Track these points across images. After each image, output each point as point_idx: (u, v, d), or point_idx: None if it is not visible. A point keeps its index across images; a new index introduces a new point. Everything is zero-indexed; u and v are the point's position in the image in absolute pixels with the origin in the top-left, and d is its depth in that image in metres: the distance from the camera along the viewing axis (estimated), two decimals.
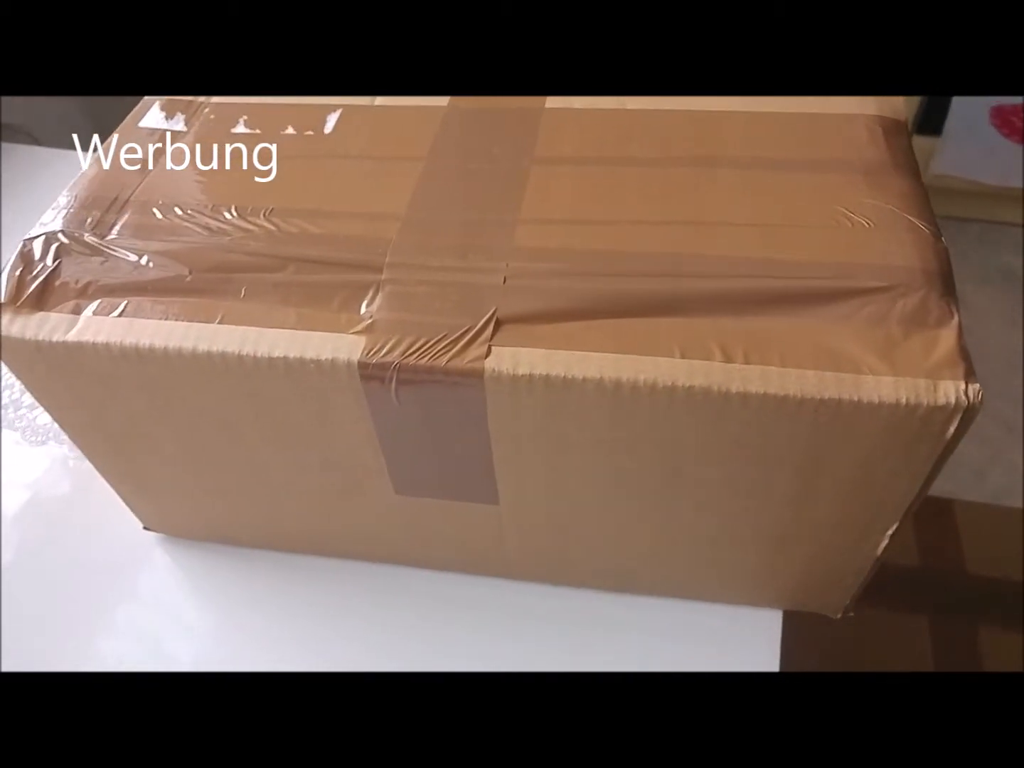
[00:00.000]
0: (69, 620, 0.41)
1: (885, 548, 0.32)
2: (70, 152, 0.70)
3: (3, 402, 0.50)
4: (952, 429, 0.26)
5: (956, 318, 0.27)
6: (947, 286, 0.28)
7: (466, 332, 0.28)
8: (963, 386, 0.26)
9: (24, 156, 0.70)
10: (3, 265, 0.33)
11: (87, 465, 0.45)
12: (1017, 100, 1.14)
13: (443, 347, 0.28)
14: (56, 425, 0.48)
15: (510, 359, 0.28)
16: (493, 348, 0.28)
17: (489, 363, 0.28)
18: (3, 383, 0.51)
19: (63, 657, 0.39)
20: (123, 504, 0.42)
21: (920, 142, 1.24)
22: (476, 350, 0.28)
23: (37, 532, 0.44)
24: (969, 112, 1.18)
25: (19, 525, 0.44)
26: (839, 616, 0.38)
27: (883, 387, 0.26)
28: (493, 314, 0.29)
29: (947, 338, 0.27)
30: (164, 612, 0.41)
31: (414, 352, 0.28)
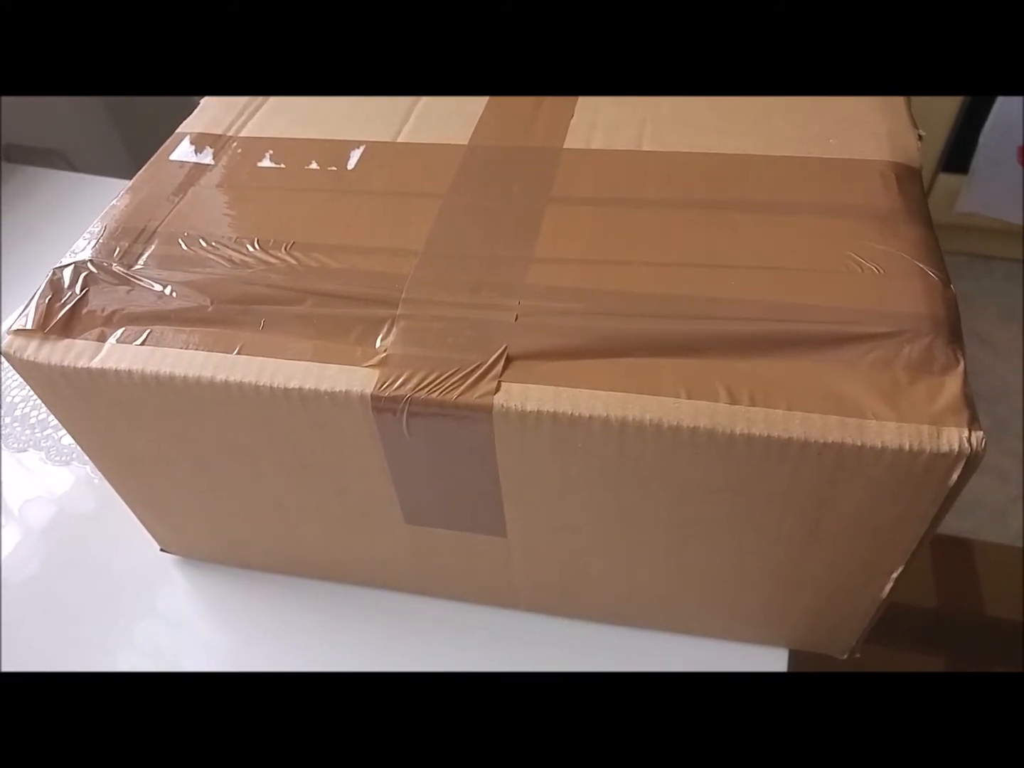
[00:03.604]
0: (88, 635, 0.41)
1: (891, 590, 0.32)
2: (105, 179, 0.72)
3: (31, 423, 0.51)
4: (955, 476, 0.26)
5: (961, 365, 0.27)
6: (954, 333, 0.28)
7: (477, 368, 0.29)
8: (967, 433, 0.26)
9: (61, 182, 0.72)
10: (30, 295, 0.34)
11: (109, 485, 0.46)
12: None
13: (454, 382, 0.29)
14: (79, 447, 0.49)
15: (519, 395, 0.28)
16: (503, 384, 0.29)
17: (498, 399, 0.28)
18: (31, 404, 0.52)
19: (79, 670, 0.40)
20: (133, 528, 0.42)
21: (946, 180, 1.24)
22: (486, 386, 0.29)
23: (61, 547, 0.45)
24: (995, 151, 1.17)
25: (45, 539, 0.45)
26: (845, 657, 0.38)
27: (887, 432, 0.26)
28: (504, 351, 0.29)
29: (952, 385, 0.27)
30: (178, 632, 0.41)
31: (426, 386, 0.29)
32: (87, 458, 0.48)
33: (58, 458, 0.49)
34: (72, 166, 0.81)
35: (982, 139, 1.17)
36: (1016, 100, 1.11)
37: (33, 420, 0.51)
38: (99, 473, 0.47)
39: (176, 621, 0.42)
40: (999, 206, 1.23)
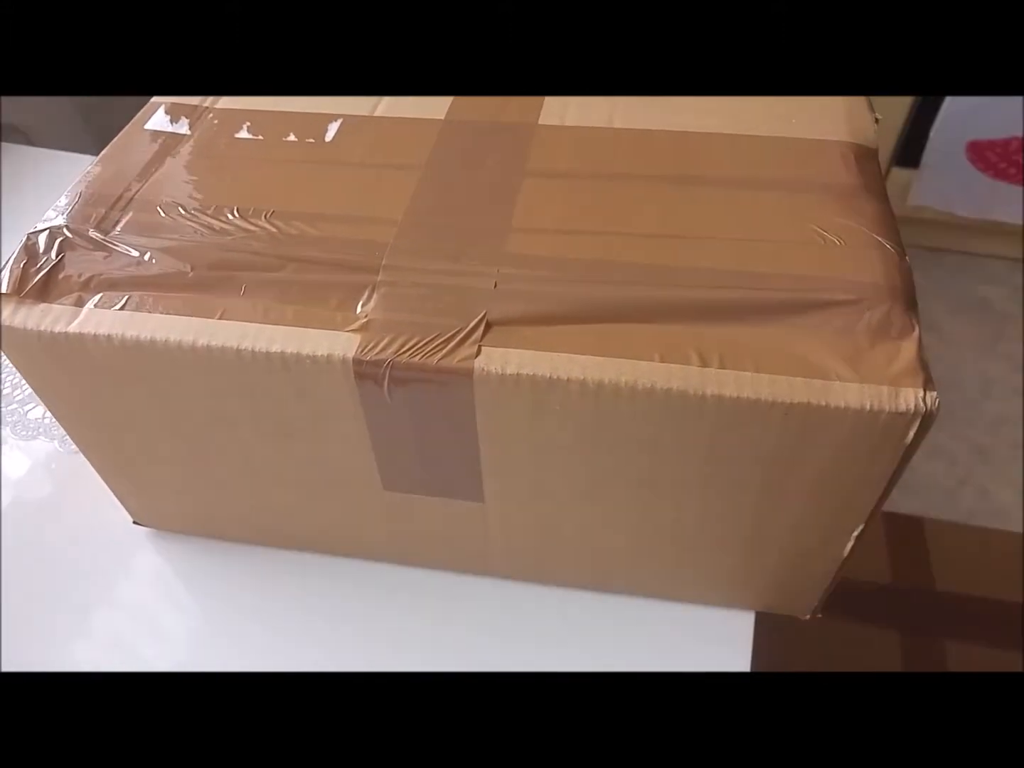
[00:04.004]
0: (56, 615, 0.41)
1: (852, 550, 0.34)
2: (64, 153, 0.71)
3: None
4: (912, 434, 0.28)
5: (917, 331, 0.29)
6: (909, 301, 0.30)
7: (457, 333, 0.30)
8: (922, 394, 0.27)
9: (19, 156, 0.71)
10: (5, 258, 0.34)
11: (70, 465, 0.46)
12: (993, 135, 1.18)
13: (435, 346, 0.30)
14: (46, 421, 0.49)
15: (499, 359, 0.29)
16: (483, 348, 0.29)
17: (479, 363, 0.29)
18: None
19: (46, 654, 0.40)
20: (106, 502, 0.42)
21: (898, 174, 1.28)
22: (466, 350, 0.29)
23: (23, 529, 0.44)
24: (945, 146, 1.21)
25: (10, 516, 0.45)
26: (808, 617, 0.40)
27: (849, 393, 0.28)
28: (483, 316, 0.30)
29: (908, 349, 0.28)
30: (146, 611, 0.41)
31: (407, 351, 0.30)
32: (54, 432, 0.48)
33: (24, 433, 0.48)
34: (30, 141, 0.79)
35: (932, 135, 1.20)
36: (965, 97, 1.15)
37: None
38: (66, 447, 0.47)
39: (138, 604, 0.42)
40: (949, 199, 1.27)
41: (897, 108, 1.21)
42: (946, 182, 1.25)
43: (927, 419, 0.27)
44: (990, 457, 1.12)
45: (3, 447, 0.48)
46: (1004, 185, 1.23)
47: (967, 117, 1.17)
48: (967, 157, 1.22)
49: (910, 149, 1.25)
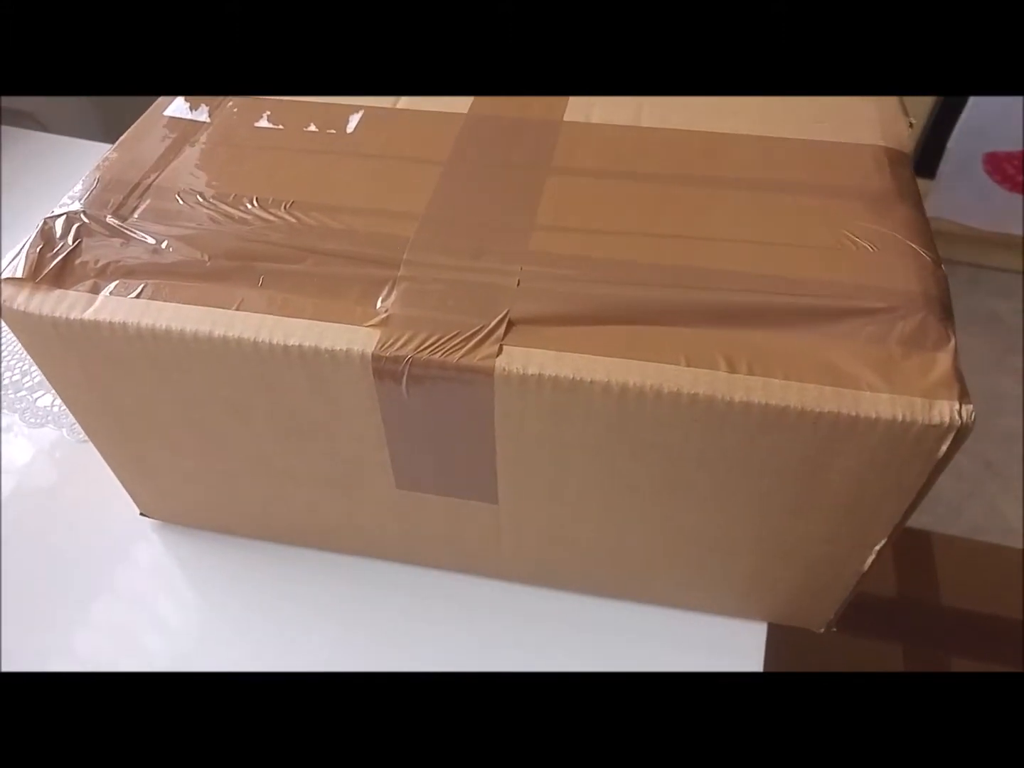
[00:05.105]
0: (57, 606, 0.41)
1: (871, 563, 0.33)
2: (73, 139, 0.70)
3: (3, 383, 0.50)
4: (944, 448, 0.27)
5: (953, 341, 0.28)
6: (945, 311, 0.29)
7: (479, 331, 0.29)
8: (957, 406, 0.27)
9: (31, 142, 0.70)
10: (17, 244, 0.33)
11: (75, 454, 0.45)
12: (1010, 147, 1.17)
13: (456, 344, 0.29)
14: (55, 409, 0.48)
15: (521, 359, 0.29)
16: (504, 348, 0.29)
17: (500, 362, 0.28)
18: (3, 365, 0.51)
19: (48, 645, 0.39)
20: (111, 493, 0.42)
21: None
22: (488, 348, 0.29)
23: (26, 518, 0.44)
24: (962, 157, 1.20)
25: (13, 505, 0.44)
26: (822, 631, 0.39)
27: (880, 403, 0.27)
28: (506, 315, 0.29)
29: (944, 360, 0.28)
30: (150, 604, 0.41)
31: (427, 347, 0.29)
32: (63, 420, 0.48)
33: (33, 420, 0.48)
34: (43, 127, 0.79)
35: (950, 145, 1.19)
36: (984, 108, 1.14)
37: (6, 381, 0.49)
38: (74, 436, 0.47)
39: (139, 597, 0.41)
40: (964, 211, 1.27)
41: (914, 117, 1.20)
42: (962, 194, 1.24)
43: (962, 432, 0.27)
44: (998, 472, 1.11)
45: (9, 434, 0.47)
46: (1020, 198, 1.22)
47: (985, 128, 1.16)
48: (984, 169, 1.21)
49: (927, 159, 1.24)
